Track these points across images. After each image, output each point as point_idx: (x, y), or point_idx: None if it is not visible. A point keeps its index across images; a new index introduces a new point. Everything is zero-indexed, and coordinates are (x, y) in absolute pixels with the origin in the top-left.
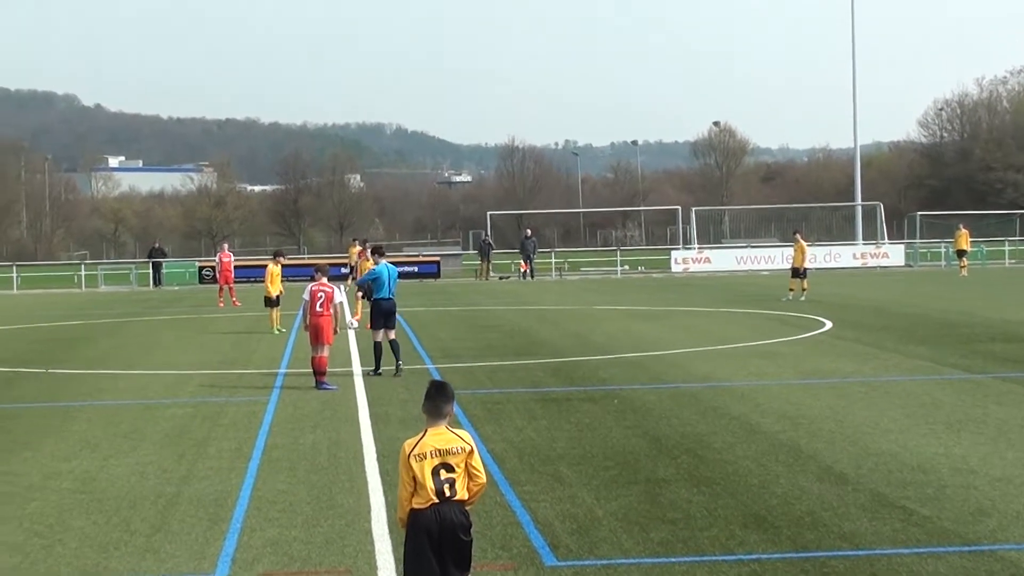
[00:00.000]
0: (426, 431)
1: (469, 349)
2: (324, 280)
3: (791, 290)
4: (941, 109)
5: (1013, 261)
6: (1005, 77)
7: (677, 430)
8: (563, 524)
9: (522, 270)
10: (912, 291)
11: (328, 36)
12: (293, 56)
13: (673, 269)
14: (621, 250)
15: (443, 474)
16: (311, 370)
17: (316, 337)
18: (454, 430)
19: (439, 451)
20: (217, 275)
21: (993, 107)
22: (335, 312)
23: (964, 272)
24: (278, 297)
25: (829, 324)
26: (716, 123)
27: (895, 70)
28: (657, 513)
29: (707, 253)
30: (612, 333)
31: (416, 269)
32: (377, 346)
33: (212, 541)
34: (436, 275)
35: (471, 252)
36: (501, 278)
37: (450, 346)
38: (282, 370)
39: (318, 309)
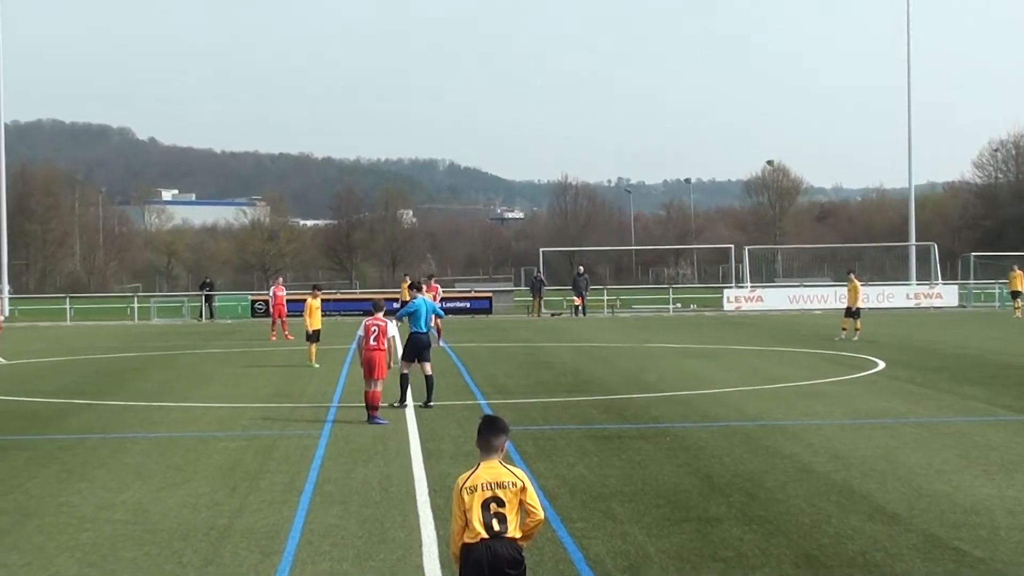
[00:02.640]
0: (479, 465)
1: (521, 385)
2: (379, 315)
3: (844, 329)
4: (996, 150)
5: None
6: None
7: (729, 468)
8: (615, 561)
9: (575, 305)
10: (966, 332)
11: (382, 72)
12: (347, 92)
13: (725, 307)
14: (673, 288)
15: (493, 508)
16: (364, 404)
17: (370, 371)
18: (508, 466)
19: (491, 484)
20: (271, 308)
21: None
22: (389, 346)
23: (1018, 313)
24: (316, 332)
25: (882, 364)
26: (769, 162)
27: (950, 110)
28: (709, 551)
29: (759, 292)
30: (664, 371)
31: (468, 305)
32: (404, 377)
33: (264, 574)
34: (488, 311)
35: (523, 288)
36: (553, 315)
37: (502, 382)
38: (334, 404)
39: (372, 343)
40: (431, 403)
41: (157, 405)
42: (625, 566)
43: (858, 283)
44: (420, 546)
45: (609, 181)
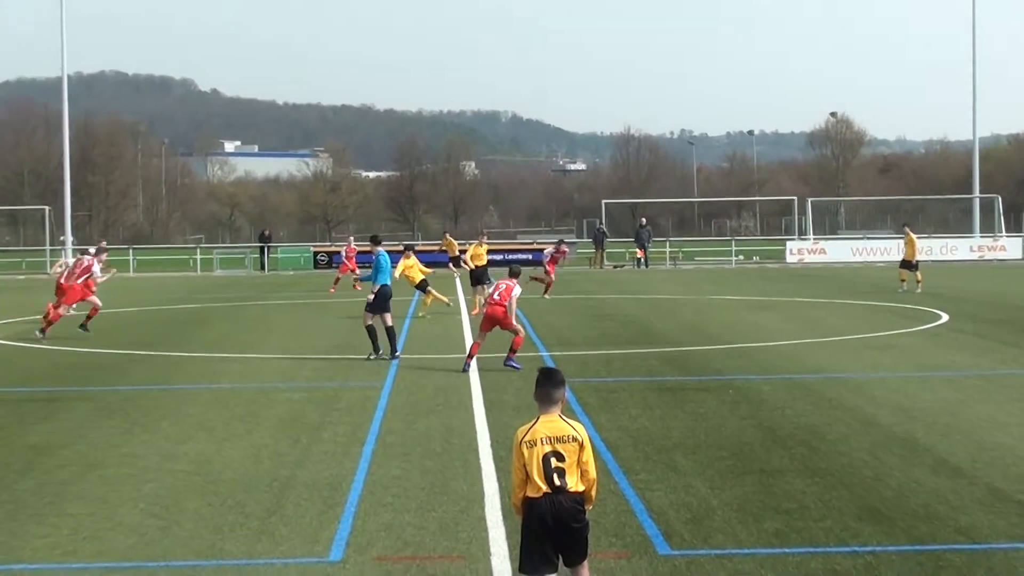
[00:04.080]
0: (538, 418)
1: (584, 337)
2: (512, 279)
3: (903, 280)
4: None
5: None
6: None
7: (791, 421)
8: (677, 513)
9: (637, 258)
10: None
11: (445, 24)
12: (410, 43)
13: (788, 260)
14: (736, 240)
15: (554, 462)
16: (430, 355)
17: (498, 324)
18: (568, 420)
19: (550, 439)
20: (344, 261)
21: None
22: (510, 305)
23: None
24: (423, 282)
25: (946, 317)
26: (833, 114)
27: (1016, 61)
28: (771, 503)
29: (822, 244)
30: (726, 323)
31: (531, 256)
32: (371, 329)
33: (326, 525)
34: None
35: (585, 240)
36: (615, 267)
37: (564, 334)
38: (395, 356)
39: (495, 297)
40: (374, 356)
41: (219, 356)
42: (688, 518)
43: (914, 236)
44: (482, 498)
45: (672, 133)
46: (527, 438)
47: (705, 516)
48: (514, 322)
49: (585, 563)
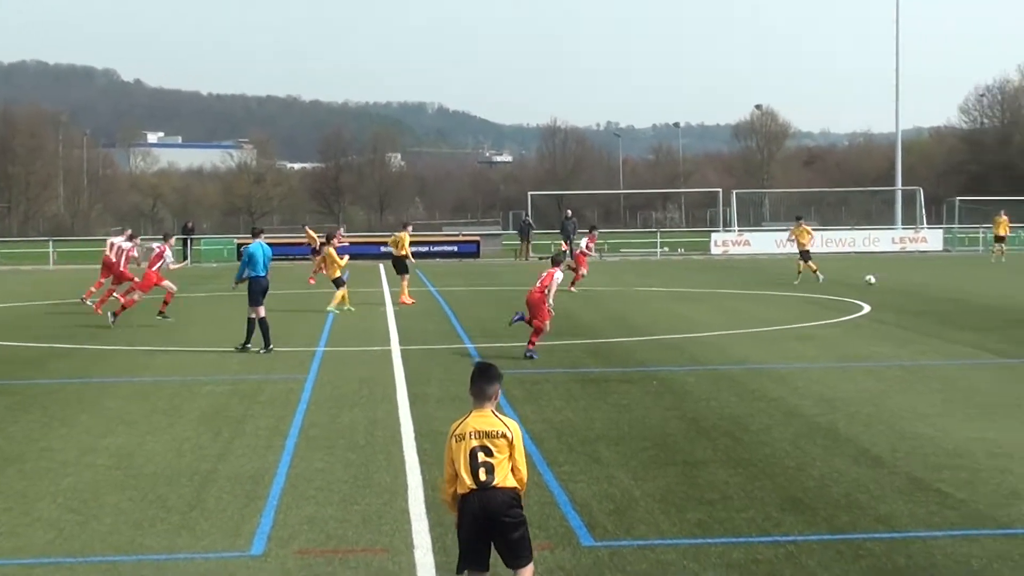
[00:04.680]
0: (471, 413)
1: (508, 329)
2: (555, 268)
3: (815, 271)
4: (982, 95)
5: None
6: None
7: (715, 412)
8: (600, 504)
9: (563, 249)
10: (950, 276)
11: (370, 14)
12: (336, 34)
13: (713, 251)
14: (661, 232)
15: (481, 457)
16: (354, 348)
17: (531, 310)
18: (501, 416)
19: (480, 433)
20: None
21: None
22: (548, 292)
23: (994, 259)
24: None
25: (868, 308)
26: (758, 106)
27: (937, 56)
28: (694, 494)
29: (747, 236)
30: (651, 314)
31: (456, 249)
32: (251, 322)
33: (248, 519)
34: (476, 255)
35: (511, 232)
36: (541, 258)
37: (489, 326)
38: (320, 348)
39: (537, 285)
40: (270, 347)
41: (141, 349)
42: (611, 509)
43: (807, 227)
44: (405, 490)
45: (598, 125)
46: (457, 432)
47: (628, 507)
48: (548, 311)
49: (529, 567)
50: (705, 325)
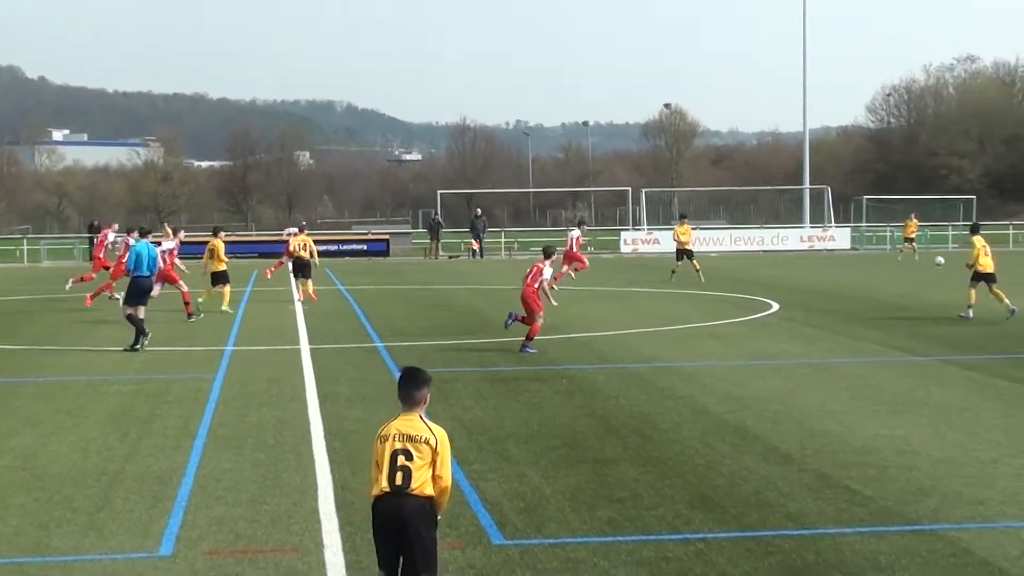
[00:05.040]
0: (399, 415)
1: (418, 328)
2: (546, 260)
3: (697, 270)
4: (889, 95)
5: (956, 246)
6: (951, 64)
7: (625, 410)
8: (511, 503)
9: (472, 249)
10: (858, 274)
11: (278, 11)
12: (244, 31)
13: (622, 250)
14: (567, 230)
15: (401, 460)
16: (262, 347)
17: (525, 306)
18: (428, 422)
19: (403, 436)
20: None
21: (939, 93)
22: (541, 285)
23: (907, 256)
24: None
25: (776, 306)
26: (667, 105)
27: (845, 55)
28: (604, 492)
29: (656, 234)
30: (561, 313)
31: (365, 247)
32: (131, 318)
33: (156, 519)
34: (385, 253)
35: (420, 231)
36: (451, 257)
37: (399, 325)
38: (229, 347)
39: (528, 280)
40: (137, 346)
41: (47, 349)
42: (521, 508)
43: (689, 226)
44: (315, 490)
45: (507, 124)
46: (382, 433)
47: (538, 505)
48: (543, 304)
49: None
50: (615, 324)
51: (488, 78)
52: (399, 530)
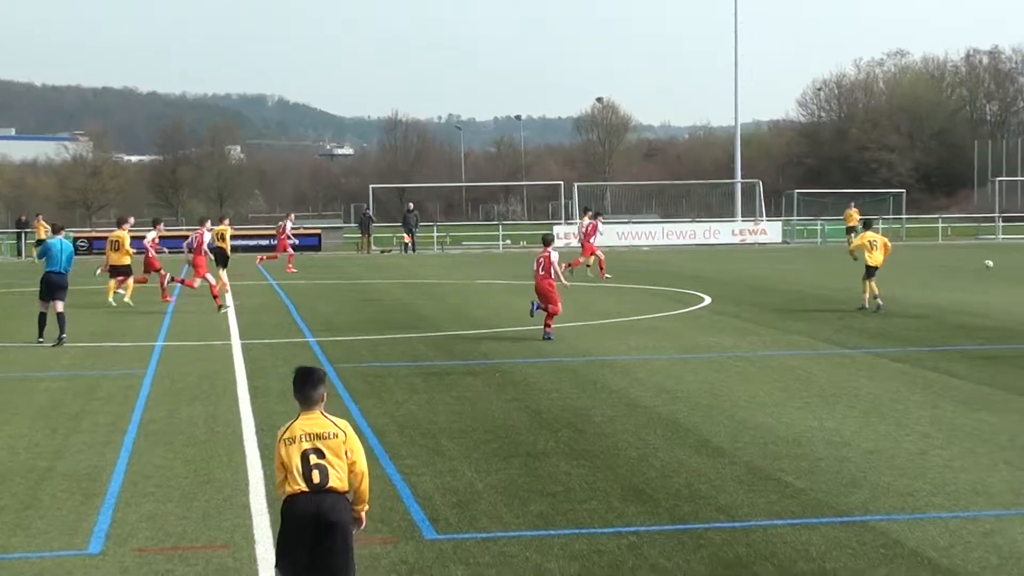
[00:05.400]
0: (299, 415)
1: (350, 322)
2: (548, 248)
3: (588, 267)
4: (819, 89)
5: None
6: (882, 59)
7: (557, 404)
8: (443, 497)
9: (405, 243)
10: (789, 268)
11: (209, 5)
12: (173, 24)
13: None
14: (503, 224)
15: (313, 459)
16: (193, 343)
17: (542, 298)
18: (330, 417)
19: (310, 435)
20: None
21: (870, 88)
22: (555, 271)
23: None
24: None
25: (708, 299)
26: (599, 99)
27: (776, 50)
28: (537, 486)
29: None
30: (494, 307)
31: (297, 242)
32: (42, 316)
33: (85, 516)
34: (317, 248)
35: (352, 225)
36: (383, 251)
37: (331, 319)
38: (159, 343)
39: (540, 272)
40: (63, 338)
41: None
42: (454, 502)
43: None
44: (247, 486)
45: (439, 118)
46: (286, 435)
47: (471, 500)
48: (559, 284)
49: None
50: None
51: (420, 72)
52: (320, 528)
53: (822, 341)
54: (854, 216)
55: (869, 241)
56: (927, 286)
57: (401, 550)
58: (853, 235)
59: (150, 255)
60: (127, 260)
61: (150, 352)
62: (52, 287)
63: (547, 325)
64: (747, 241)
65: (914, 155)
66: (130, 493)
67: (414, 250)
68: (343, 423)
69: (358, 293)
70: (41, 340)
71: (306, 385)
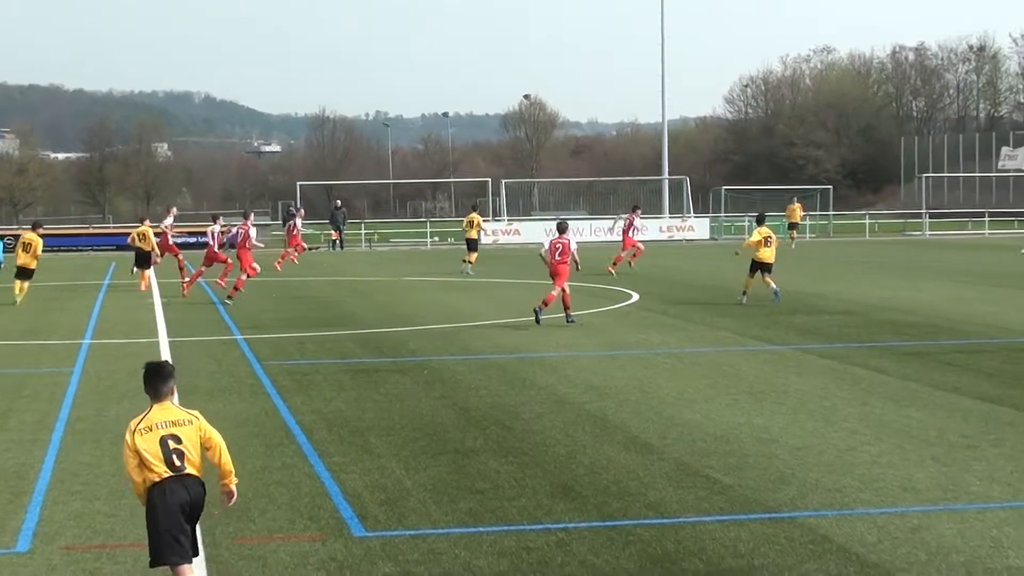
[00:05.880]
0: (151, 407)
1: (277, 320)
2: (563, 235)
3: (470, 263)
4: (746, 86)
5: (813, 235)
6: (808, 55)
7: (485, 401)
8: (372, 495)
9: (333, 240)
10: (716, 264)
11: (134, 2)
12: (98, 21)
13: (483, 241)
14: (431, 221)
15: (172, 444)
16: (120, 340)
17: (555, 278)
18: (180, 407)
19: (166, 423)
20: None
21: (796, 85)
22: (573, 258)
23: (793, 245)
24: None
25: (636, 296)
26: (526, 96)
27: (703, 46)
28: (465, 483)
29: (516, 225)
30: (422, 304)
31: (226, 239)
32: None
33: (13, 515)
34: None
35: (278, 223)
36: (310, 249)
37: (258, 317)
38: (86, 340)
39: (557, 258)
40: None
41: None
42: (382, 499)
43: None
44: None
45: (367, 115)
46: (141, 425)
47: (400, 497)
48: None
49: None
50: (476, 314)
51: (348, 69)
52: (187, 509)
53: (750, 338)
54: (797, 212)
55: (765, 238)
56: (855, 282)
57: (330, 547)
58: (795, 231)
59: (214, 249)
60: (34, 264)
61: (77, 350)
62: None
63: (544, 304)
64: (675, 237)
65: (841, 151)
66: (58, 491)
67: (342, 247)
68: (194, 411)
69: (286, 290)
70: None
71: (157, 379)
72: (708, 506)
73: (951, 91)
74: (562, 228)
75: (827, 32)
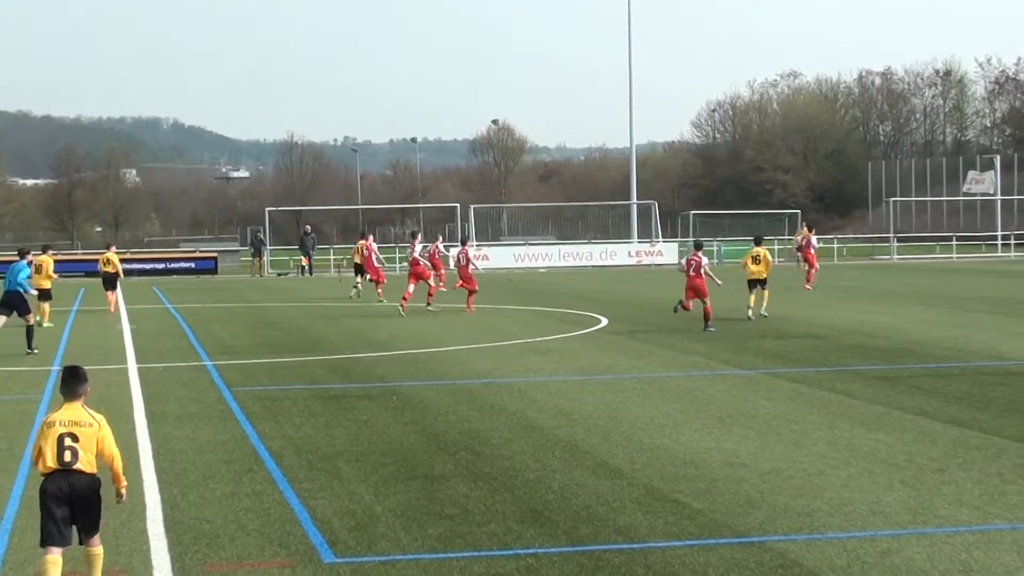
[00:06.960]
0: (63, 406)
1: (247, 346)
2: (698, 252)
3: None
4: (714, 110)
5: (782, 260)
6: (775, 80)
7: (455, 426)
8: (341, 521)
9: (302, 266)
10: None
11: (99, 25)
12: (66, 47)
13: (451, 266)
14: (399, 247)
15: (67, 442)
16: (90, 366)
17: (694, 293)
18: (89, 410)
19: (68, 422)
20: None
21: (764, 109)
22: (706, 273)
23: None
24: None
25: (605, 321)
26: (495, 121)
27: (671, 72)
28: (435, 509)
29: (485, 250)
30: (390, 329)
31: (193, 265)
32: None
33: None
34: (214, 271)
35: (247, 248)
36: (280, 274)
37: (228, 343)
38: (55, 367)
39: (692, 273)
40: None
41: None
42: (352, 525)
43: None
44: (144, 510)
45: (336, 140)
46: (47, 420)
47: (369, 523)
48: (711, 283)
49: (98, 536)
50: (444, 340)
51: (316, 94)
52: (71, 501)
53: (720, 362)
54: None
55: (752, 256)
56: (823, 306)
57: (300, 574)
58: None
59: (420, 265)
60: (47, 284)
61: (46, 377)
62: (14, 303)
63: (707, 319)
64: (644, 262)
65: (808, 176)
66: (26, 519)
67: (311, 273)
68: (99, 416)
69: (255, 316)
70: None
71: (73, 381)
72: (678, 531)
73: (918, 115)
74: (699, 246)
75: (794, 57)
